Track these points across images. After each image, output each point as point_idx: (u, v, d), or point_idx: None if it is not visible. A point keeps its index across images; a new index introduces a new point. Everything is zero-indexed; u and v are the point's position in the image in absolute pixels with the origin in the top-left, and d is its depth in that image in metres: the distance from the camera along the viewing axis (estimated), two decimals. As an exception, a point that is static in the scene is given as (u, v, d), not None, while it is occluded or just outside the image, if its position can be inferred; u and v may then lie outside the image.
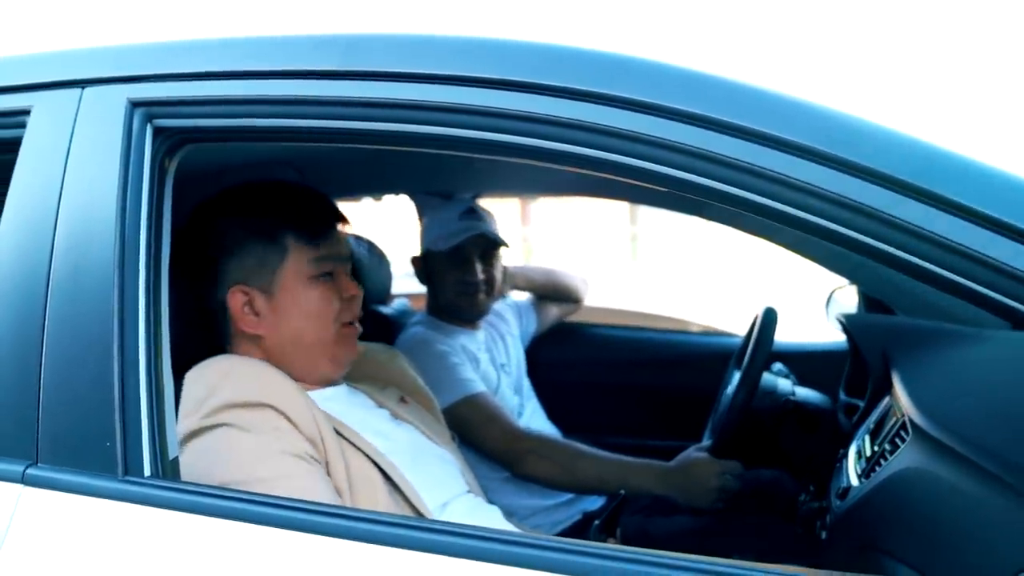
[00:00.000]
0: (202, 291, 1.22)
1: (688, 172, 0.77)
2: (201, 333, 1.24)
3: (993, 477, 0.98)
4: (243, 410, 1.04)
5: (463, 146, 0.88)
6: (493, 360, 2.02)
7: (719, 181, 0.76)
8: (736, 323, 3.38)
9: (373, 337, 1.46)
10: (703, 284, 9.61)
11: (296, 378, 1.16)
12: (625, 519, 1.87)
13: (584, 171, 0.82)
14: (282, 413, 1.05)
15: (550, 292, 2.34)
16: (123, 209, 0.89)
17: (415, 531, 0.80)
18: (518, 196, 2.32)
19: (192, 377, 1.09)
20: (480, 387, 1.85)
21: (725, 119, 0.77)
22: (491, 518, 1.25)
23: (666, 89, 0.79)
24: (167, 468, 0.86)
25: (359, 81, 0.87)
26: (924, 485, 1.12)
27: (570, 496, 1.89)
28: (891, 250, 0.78)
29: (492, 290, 2.02)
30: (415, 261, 2.09)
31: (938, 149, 0.81)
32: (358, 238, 2.27)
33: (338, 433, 1.12)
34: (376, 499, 1.09)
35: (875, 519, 1.19)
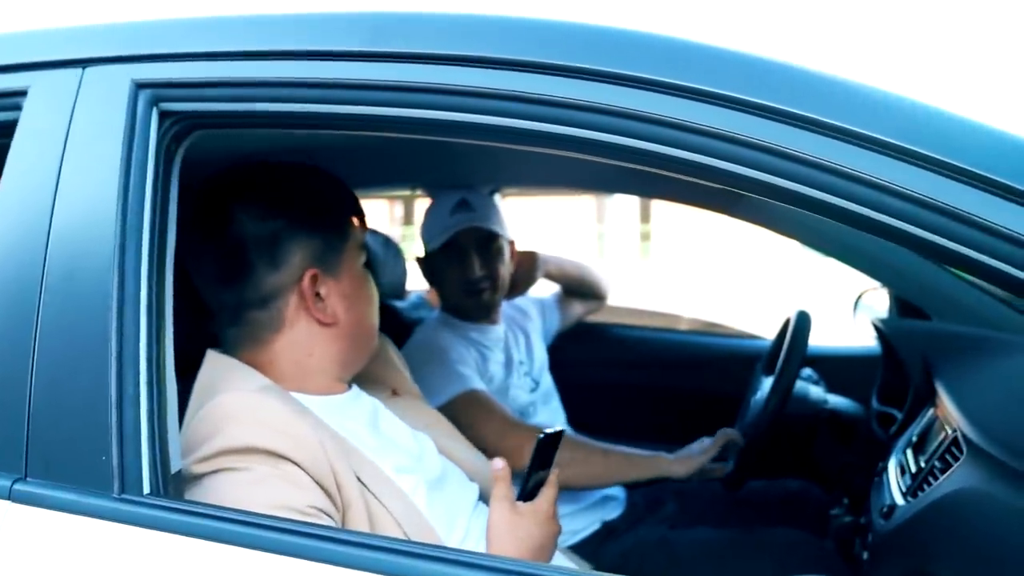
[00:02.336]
0: (248, 278, 1.08)
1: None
2: (203, 331, 1.15)
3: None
4: (248, 456, 0.93)
5: (490, 134, 0.81)
6: (509, 358, 1.94)
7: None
8: (729, 321, 3.31)
9: (387, 332, 1.39)
10: (680, 281, 9.56)
11: (336, 374, 1.14)
12: (647, 530, 1.80)
13: (628, 165, 0.75)
14: (296, 464, 0.94)
15: (578, 286, 2.24)
16: (124, 199, 0.81)
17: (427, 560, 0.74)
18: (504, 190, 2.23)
19: (196, 408, 0.98)
20: (475, 384, 1.76)
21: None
22: None
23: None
24: (168, 484, 0.78)
25: (387, 63, 0.80)
26: (981, 507, 1.04)
27: (589, 502, 1.81)
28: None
29: (497, 285, 1.91)
30: (419, 262, 1.99)
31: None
32: (374, 232, 2.20)
33: (360, 481, 1.01)
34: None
35: (927, 542, 1.12)
